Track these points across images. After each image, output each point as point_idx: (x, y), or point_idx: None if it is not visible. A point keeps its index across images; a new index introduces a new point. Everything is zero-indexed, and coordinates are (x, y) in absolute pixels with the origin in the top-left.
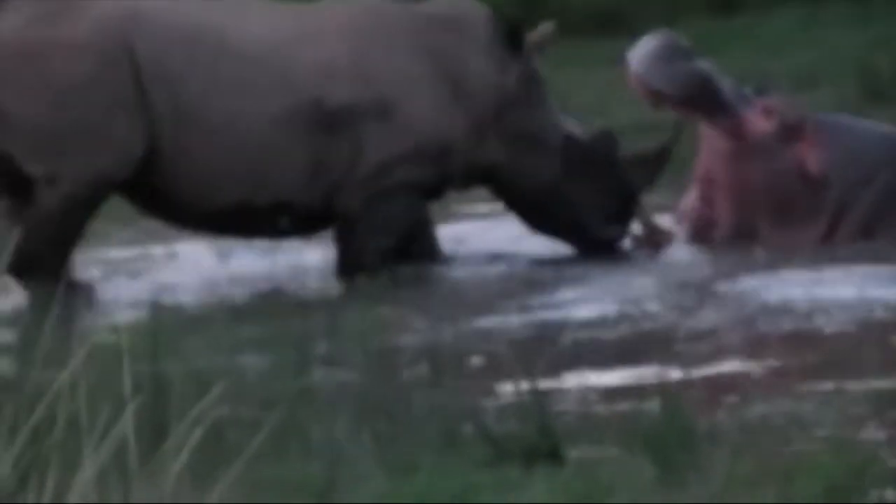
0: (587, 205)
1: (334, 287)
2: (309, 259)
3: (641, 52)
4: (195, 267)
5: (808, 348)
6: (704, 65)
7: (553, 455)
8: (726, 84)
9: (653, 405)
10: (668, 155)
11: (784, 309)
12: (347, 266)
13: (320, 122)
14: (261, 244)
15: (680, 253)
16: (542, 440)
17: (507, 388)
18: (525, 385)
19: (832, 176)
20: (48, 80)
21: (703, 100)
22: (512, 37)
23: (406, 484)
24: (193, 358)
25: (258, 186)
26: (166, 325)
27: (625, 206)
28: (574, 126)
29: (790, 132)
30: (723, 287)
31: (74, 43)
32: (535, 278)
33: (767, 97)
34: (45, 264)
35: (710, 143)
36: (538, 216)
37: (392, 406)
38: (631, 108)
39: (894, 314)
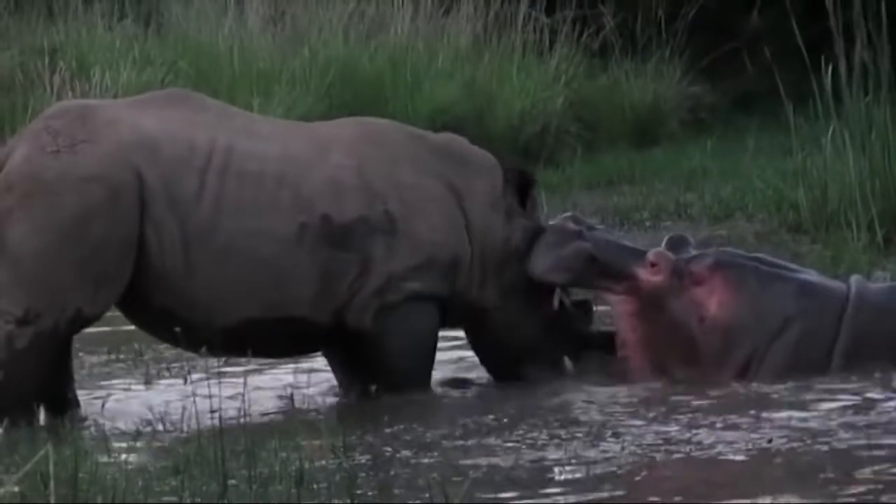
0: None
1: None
2: None
3: (534, 252)
4: None
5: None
6: (595, 234)
7: None
8: (614, 248)
9: None
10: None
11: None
12: (390, 387)
13: (329, 239)
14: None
15: None
16: None
17: None
18: None
19: (741, 324)
20: (58, 214)
21: (592, 274)
22: (522, 190)
23: None
24: None
25: (269, 304)
26: None
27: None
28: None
29: (685, 280)
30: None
31: (85, 175)
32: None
33: (657, 251)
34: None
35: (617, 308)
36: (500, 359)
37: None
38: None
39: None
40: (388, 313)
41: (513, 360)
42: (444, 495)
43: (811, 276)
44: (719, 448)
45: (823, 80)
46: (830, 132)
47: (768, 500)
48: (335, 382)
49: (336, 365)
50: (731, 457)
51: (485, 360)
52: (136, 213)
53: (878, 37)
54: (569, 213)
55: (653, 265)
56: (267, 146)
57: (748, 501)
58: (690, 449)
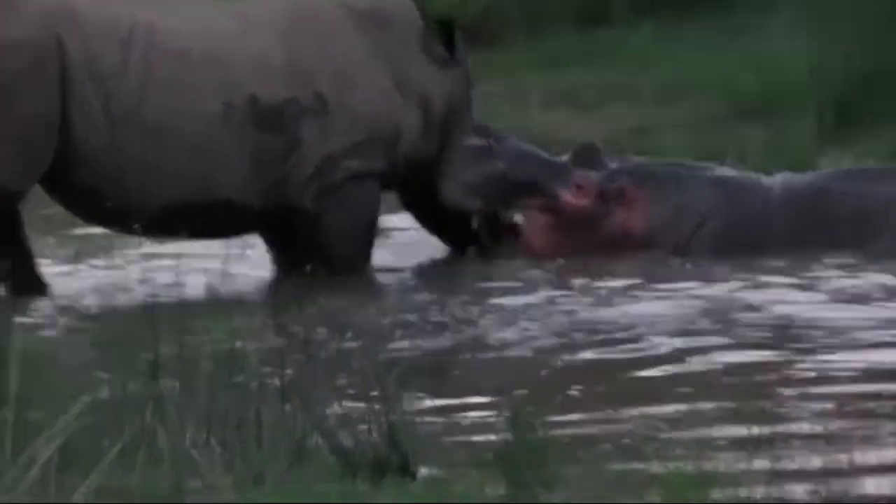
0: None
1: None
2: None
3: (442, 176)
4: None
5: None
6: (507, 145)
7: (403, 470)
8: (530, 163)
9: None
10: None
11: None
12: (328, 268)
13: (257, 120)
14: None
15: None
16: (391, 453)
17: (360, 403)
18: (377, 398)
19: (660, 231)
20: None
21: (507, 195)
22: (446, 36)
23: (253, 495)
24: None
25: (197, 186)
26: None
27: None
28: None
29: (609, 200)
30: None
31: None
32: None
33: (581, 171)
34: None
35: (528, 218)
36: (436, 214)
37: (241, 416)
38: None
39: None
40: (329, 194)
41: (457, 222)
42: (375, 380)
43: (732, 173)
44: None
45: None
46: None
47: None
48: (271, 263)
49: (273, 246)
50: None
51: (426, 222)
52: (59, 86)
53: None
54: (476, 124)
55: (578, 188)
56: (193, 23)
57: None
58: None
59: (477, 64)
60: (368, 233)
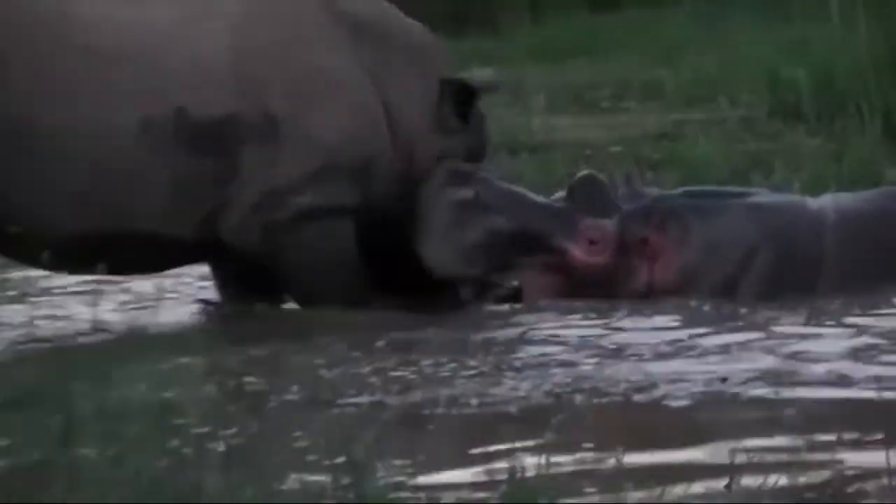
0: None
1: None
2: None
3: (425, 238)
4: None
5: None
6: (494, 190)
7: None
8: (528, 213)
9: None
10: None
11: None
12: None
13: (184, 139)
14: None
15: None
16: None
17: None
18: (344, 467)
19: (696, 276)
20: None
21: (507, 254)
22: (463, 103)
23: None
24: None
25: (107, 215)
26: None
27: None
28: None
29: (632, 257)
30: None
31: None
32: None
33: (591, 221)
34: None
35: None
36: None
37: (177, 489)
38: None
39: None
40: (279, 233)
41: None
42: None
43: (765, 196)
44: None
45: None
46: None
47: None
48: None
49: (219, 271)
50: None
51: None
52: None
53: None
54: (447, 165)
55: (591, 243)
56: (114, 11)
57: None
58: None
59: (479, 53)
60: (342, 270)
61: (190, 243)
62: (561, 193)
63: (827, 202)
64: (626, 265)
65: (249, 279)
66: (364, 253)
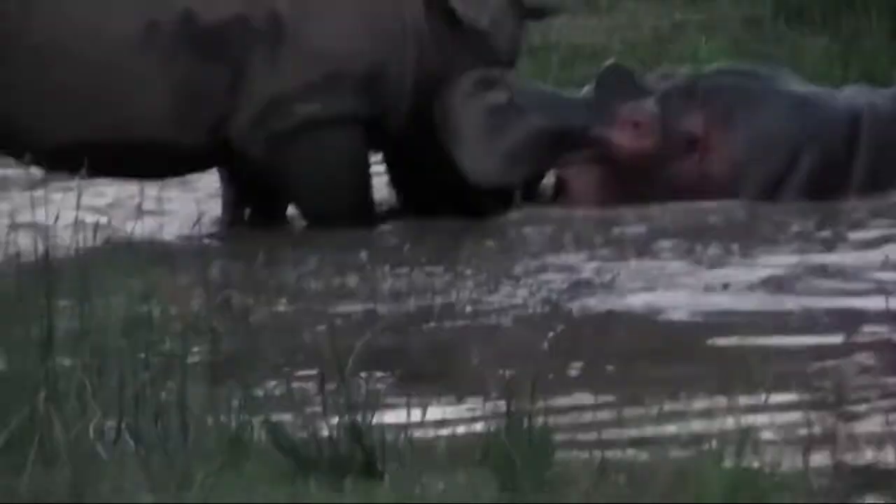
0: None
1: None
2: None
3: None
4: None
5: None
6: (527, 93)
7: (369, 469)
8: (562, 109)
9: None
10: None
11: None
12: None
13: (190, 44)
14: None
15: None
16: (352, 449)
17: (310, 384)
18: (332, 379)
19: (746, 166)
20: None
21: (550, 153)
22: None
23: (176, 502)
24: None
25: (106, 124)
26: None
27: None
28: None
29: (677, 141)
30: None
31: None
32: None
33: (632, 103)
34: None
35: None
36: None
37: (160, 401)
38: None
39: None
40: (284, 143)
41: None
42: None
43: (808, 90)
44: None
45: None
46: None
47: None
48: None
49: (231, 181)
50: None
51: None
52: None
53: None
54: (475, 73)
55: (634, 125)
56: None
57: None
58: None
59: None
60: (348, 185)
61: (189, 151)
62: (587, 88)
63: (859, 98)
64: (672, 148)
65: (257, 198)
66: (394, 172)
